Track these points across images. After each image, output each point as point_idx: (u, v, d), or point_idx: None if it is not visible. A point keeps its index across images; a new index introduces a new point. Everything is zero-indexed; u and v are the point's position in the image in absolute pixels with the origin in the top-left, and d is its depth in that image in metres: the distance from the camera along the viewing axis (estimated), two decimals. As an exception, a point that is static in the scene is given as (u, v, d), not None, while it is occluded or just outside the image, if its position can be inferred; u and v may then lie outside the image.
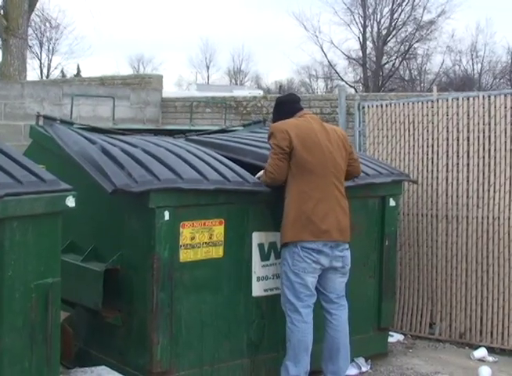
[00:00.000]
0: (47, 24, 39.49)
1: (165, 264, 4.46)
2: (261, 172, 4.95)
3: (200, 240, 4.65)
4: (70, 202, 3.61)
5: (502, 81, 43.63)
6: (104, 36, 47.82)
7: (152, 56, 66.19)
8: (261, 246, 5.00)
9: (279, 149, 4.79)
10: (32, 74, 47.20)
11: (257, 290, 4.99)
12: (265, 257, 5.01)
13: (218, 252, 4.75)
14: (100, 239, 4.91)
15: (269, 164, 4.83)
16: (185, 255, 4.58)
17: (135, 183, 4.39)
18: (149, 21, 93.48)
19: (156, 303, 4.45)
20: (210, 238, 4.70)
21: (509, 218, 6.10)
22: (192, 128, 6.94)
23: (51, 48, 48.85)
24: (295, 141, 4.78)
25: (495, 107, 6.25)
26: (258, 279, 4.99)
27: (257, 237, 4.97)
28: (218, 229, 4.74)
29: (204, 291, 4.70)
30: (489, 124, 6.28)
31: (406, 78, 44.20)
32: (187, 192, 4.51)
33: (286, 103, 5.16)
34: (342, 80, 42.32)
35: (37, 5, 19.91)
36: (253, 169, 5.05)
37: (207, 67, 65.09)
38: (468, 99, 6.46)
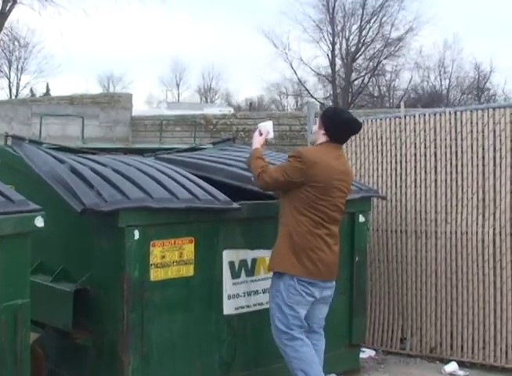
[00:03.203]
0: (16, 43, 39.43)
1: (135, 284, 4.45)
2: (256, 156, 4.86)
3: (171, 258, 4.64)
4: (39, 222, 3.60)
5: (469, 96, 44.18)
6: (74, 55, 47.63)
7: (122, 74, 66.41)
8: (231, 264, 5.00)
9: (293, 173, 4.65)
10: (1, 93, 46.95)
11: (229, 308, 4.99)
12: (235, 275, 5.02)
13: (188, 271, 4.74)
14: (70, 259, 4.88)
15: (273, 172, 4.72)
16: (155, 274, 4.57)
17: (105, 202, 4.38)
18: (119, 39, 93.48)
19: (126, 323, 4.43)
20: (181, 257, 4.70)
21: (476, 233, 6.17)
22: (162, 146, 6.94)
23: (20, 67, 48.70)
24: (320, 177, 4.65)
25: (461, 123, 6.33)
26: (229, 297, 4.99)
27: (227, 255, 4.97)
28: (189, 248, 4.74)
29: (175, 310, 4.69)
30: (456, 140, 6.35)
31: (375, 95, 44.60)
32: (157, 211, 4.51)
33: (345, 127, 4.89)
34: (312, 97, 42.55)
35: (6, 24, 19.87)
36: (223, 187, 5.07)
37: (178, 85, 65.31)
38: (435, 115, 6.53)
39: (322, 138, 4.85)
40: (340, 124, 4.85)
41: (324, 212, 4.70)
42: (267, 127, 5.10)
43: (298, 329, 4.74)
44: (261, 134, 5.04)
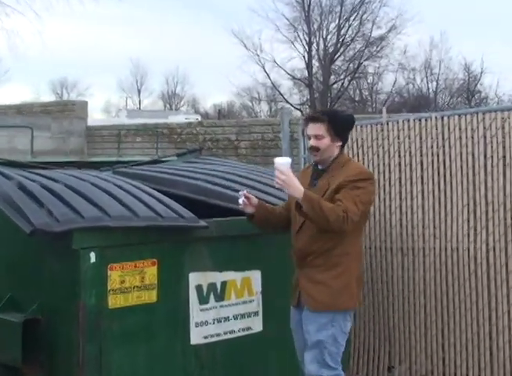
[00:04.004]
0: (-43, 47, 39.15)
1: (92, 312, 4.42)
2: (317, 199, 4.45)
3: (131, 283, 4.63)
4: (-18, 246, 3.56)
5: (459, 99, 44.64)
6: (23, 59, 47.43)
7: (77, 80, 66.19)
8: (199, 288, 4.99)
9: (371, 199, 4.71)
10: None
11: (196, 337, 4.97)
12: (203, 300, 5.01)
13: (151, 296, 4.73)
14: (18, 286, 4.84)
15: (354, 208, 4.45)
16: (114, 301, 4.55)
17: (57, 222, 4.36)
18: (73, 42, 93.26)
19: (83, 356, 4.40)
20: (142, 281, 4.68)
21: (468, 249, 6.19)
22: (120, 159, 6.94)
23: (-38, 73, 48.35)
24: None
25: (448, 129, 6.36)
26: (197, 325, 4.98)
27: (194, 278, 4.96)
28: (151, 271, 4.72)
29: (137, 340, 4.67)
30: (443, 147, 6.38)
31: (357, 99, 44.97)
32: (115, 230, 4.49)
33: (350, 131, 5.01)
34: (287, 102, 42.83)
35: None
36: (188, 203, 5.06)
37: (139, 91, 65.39)
38: (420, 120, 6.57)
39: (336, 150, 4.74)
40: (348, 132, 4.93)
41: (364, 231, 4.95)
42: (287, 166, 4.55)
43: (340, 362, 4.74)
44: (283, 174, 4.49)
